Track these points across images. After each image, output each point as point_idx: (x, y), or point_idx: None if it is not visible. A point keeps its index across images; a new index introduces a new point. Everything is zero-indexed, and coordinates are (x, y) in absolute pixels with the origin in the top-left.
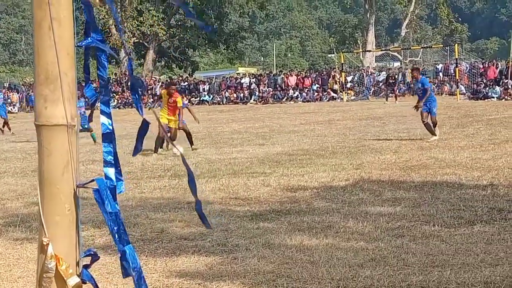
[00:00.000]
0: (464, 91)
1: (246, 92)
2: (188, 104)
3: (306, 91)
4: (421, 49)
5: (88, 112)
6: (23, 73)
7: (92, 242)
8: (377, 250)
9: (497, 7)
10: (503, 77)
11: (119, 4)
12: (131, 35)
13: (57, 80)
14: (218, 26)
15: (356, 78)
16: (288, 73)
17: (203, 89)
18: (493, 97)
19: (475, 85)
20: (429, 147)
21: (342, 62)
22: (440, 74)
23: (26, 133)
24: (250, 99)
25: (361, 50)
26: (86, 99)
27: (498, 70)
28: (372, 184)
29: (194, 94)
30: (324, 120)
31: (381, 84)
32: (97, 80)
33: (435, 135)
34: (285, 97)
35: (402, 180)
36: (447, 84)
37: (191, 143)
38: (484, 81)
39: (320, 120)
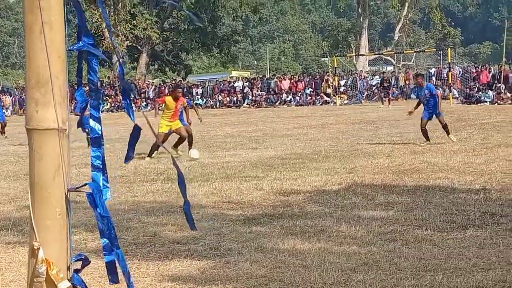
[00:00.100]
0: (457, 95)
1: (239, 95)
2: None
3: (299, 95)
4: (414, 53)
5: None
6: (16, 76)
7: (85, 246)
8: (370, 255)
9: (490, 12)
10: (496, 81)
11: (112, 7)
12: (125, 39)
13: (48, 83)
14: (211, 30)
15: (349, 82)
16: (282, 77)
17: (196, 93)
18: (486, 102)
19: (468, 89)
20: (421, 151)
21: (336, 66)
22: (433, 78)
23: (19, 136)
24: (243, 102)
25: (354, 54)
26: (74, 102)
27: (491, 74)
28: (365, 188)
29: (187, 97)
30: (317, 124)
31: (374, 88)
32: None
33: (451, 137)
34: (279, 101)
35: (395, 184)
36: (440, 88)
37: (190, 145)
38: (477, 85)
39: (313, 124)
